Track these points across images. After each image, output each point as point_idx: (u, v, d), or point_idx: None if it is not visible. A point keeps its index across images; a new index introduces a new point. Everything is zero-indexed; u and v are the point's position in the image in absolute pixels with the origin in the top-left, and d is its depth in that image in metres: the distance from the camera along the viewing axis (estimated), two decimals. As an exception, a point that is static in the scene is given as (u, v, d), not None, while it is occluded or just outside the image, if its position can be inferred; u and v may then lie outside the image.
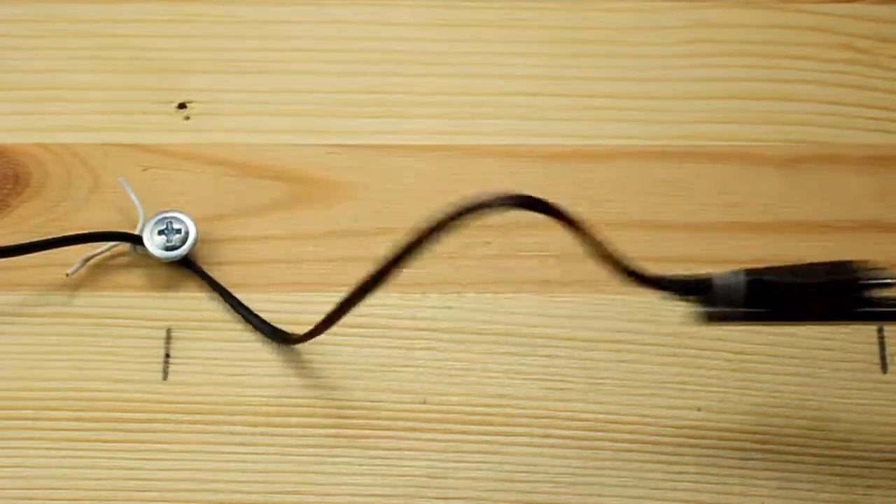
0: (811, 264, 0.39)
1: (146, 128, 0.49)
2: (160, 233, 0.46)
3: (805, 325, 0.44)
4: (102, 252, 0.47)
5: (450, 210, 0.36)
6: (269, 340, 0.45)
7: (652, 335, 0.46)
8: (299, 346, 0.45)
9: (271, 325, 0.45)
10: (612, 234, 0.47)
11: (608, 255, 0.38)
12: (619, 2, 0.52)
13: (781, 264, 0.39)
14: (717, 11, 0.52)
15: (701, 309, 0.38)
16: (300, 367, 0.45)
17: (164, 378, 0.45)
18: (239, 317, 0.46)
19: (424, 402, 0.45)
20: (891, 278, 0.37)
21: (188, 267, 0.46)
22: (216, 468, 0.44)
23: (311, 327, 0.43)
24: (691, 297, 0.38)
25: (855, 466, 0.44)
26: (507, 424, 0.44)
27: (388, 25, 0.52)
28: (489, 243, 0.47)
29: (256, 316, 0.45)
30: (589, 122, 0.50)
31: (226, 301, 0.46)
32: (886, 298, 0.38)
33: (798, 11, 0.52)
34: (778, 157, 0.49)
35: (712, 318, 0.38)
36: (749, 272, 0.38)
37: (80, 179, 0.48)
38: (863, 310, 0.38)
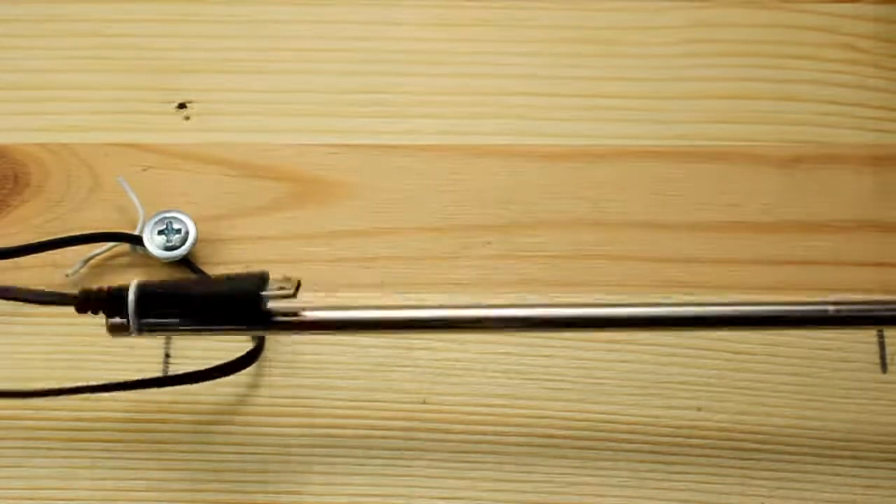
0: (223, 276, 0.41)
1: (146, 128, 0.49)
2: (160, 233, 0.46)
3: (219, 333, 0.43)
4: (102, 252, 0.47)
5: None
6: (273, 337, 0.45)
7: (652, 335, 0.46)
8: (300, 346, 0.45)
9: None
10: (612, 234, 0.48)
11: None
12: (619, 2, 0.52)
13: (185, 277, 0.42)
14: (717, 11, 0.52)
15: (112, 321, 0.39)
16: (300, 367, 0.45)
17: (164, 378, 0.45)
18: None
19: (424, 402, 0.45)
20: (286, 289, 0.38)
21: (188, 267, 0.46)
22: (216, 468, 0.44)
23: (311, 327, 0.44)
24: (103, 311, 0.39)
25: (855, 466, 0.44)
26: (507, 424, 0.44)
27: (388, 25, 0.52)
28: (489, 243, 0.47)
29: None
30: (589, 122, 0.50)
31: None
32: (300, 308, 0.39)
33: (798, 11, 0.52)
34: (778, 157, 0.49)
35: (122, 330, 0.39)
36: (143, 284, 0.39)
37: (80, 179, 0.48)
38: (275, 319, 0.39)
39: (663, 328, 0.43)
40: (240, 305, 0.39)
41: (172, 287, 0.40)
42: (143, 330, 0.39)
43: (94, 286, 0.39)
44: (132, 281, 0.39)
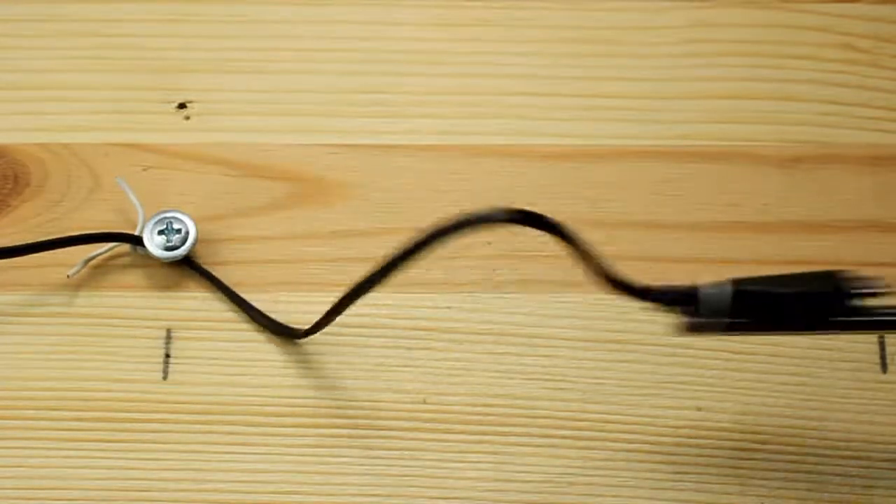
0: (796, 274, 0.38)
1: (146, 128, 0.49)
2: (160, 233, 0.46)
3: (787, 334, 0.44)
4: (103, 252, 0.47)
5: (452, 220, 0.36)
6: (274, 337, 0.45)
7: (652, 335, 0.46)
8: (299, 346, 0.45)
9: (276, 321, 0.45)
10: (612, 234, 0.48)
11: (598, 265, 0.38)
12: (619, 2, 0.52)
13: (766, 274, 0.38)
14: (717, 11, 0.52)
15: (685, 319, 0.38)
16: (300, 366, 0.45)
17: (164, 378, 0.45)
18: (240, 316, 0.46)
19: (424, 402, 0.45)
20: (875, 287, 0.37)
21: (188, 267, 0.46)
22: (216, 468, 0.44)
23: (311, 326, 0.43)
24: (677, 308, 0.38)
25: (855, 466, 0.44)
26: (507, 424, 0.44)
27: (388, 25, 0.52)
28: (489, 243, 0.47)
29: (260, 312, 0.45)
30: (589, 122, 0.50)
31: (229, 299, 0.46)
32: (872, 308, 0.37)
33: (798, 11, 0.52)
34: (778, 157, 0.49)
35: (696, 329, 0.38)
36: (735, 282, 0.37)
37: (80, 179, 0.48)
38: (847, 319, 0.37)
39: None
40: (825, 305, 0.37)
41: (755, 286, 0.38)
42: (721, 329, 0.38)
43: (663, 283, 0.38)
44: (722, 281, 0.37)
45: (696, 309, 0.37)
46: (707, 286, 0.37)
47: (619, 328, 0.46)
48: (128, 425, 0.44)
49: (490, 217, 0.37)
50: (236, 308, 0.46)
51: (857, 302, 0.37)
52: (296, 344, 0.45)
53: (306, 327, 0.43)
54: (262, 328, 0.46)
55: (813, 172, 0.49)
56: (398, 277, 0.47)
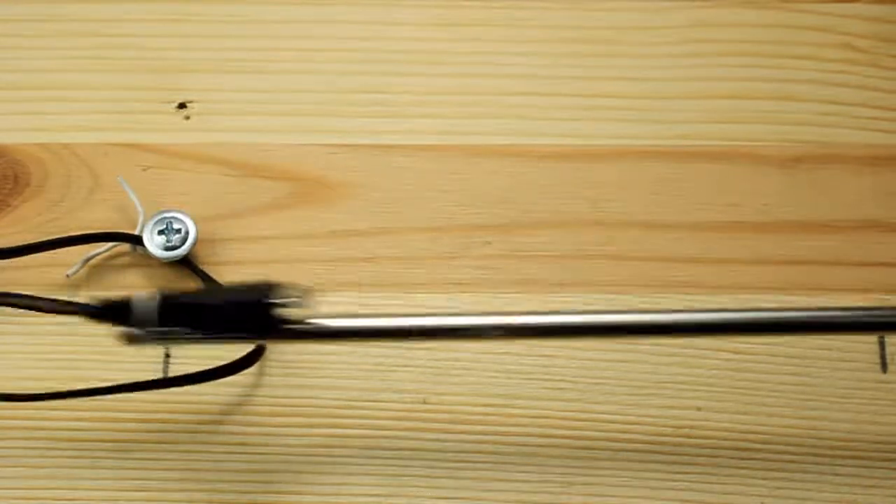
0: (232, 286, 0.41)
1: (146, 128, 0.49)
2: (160, 233, 0.46)
3: (232, 342, 0.43)
4: (102, 252, 0.47)
5: None
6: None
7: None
8: (299, 347, 0.45)
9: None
10: (612, 234, 0.48)
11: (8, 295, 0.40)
12: (619, 2, 0.52)
13: (210, 286, 0.41)
14: (717, 11, 0.52)
15: (122, 330, 0.39)
16: (300, 367, 0.45)
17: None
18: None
19: (424, 402, 0.45)
20: (296, 298, 0.38)
21: (188, 266, 0.46)
22: (216, 468, 0.44)
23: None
24: (111, 320, 0.39)
25: (855, 466, 0.44)
26: (507, 424, 0.44)
27: (388, 25, 0.52)
28: (489, 243, 0.47)
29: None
30: (589, 122, 0.50)
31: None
32: (296, 318, 0.39)
33: (798, 11, 0.52)
34: (778, 157, 0.49)
35: (132, 339, 0.39)
36: (165, 294, 0.38)
37: (80, 179, 0.48)
38: (284, 327, 0.39)
39: (655, 336, 0.43)
40: (249, 315, 0.39)
41: (182, 297, 0.39)
42: (152, 339, 0.39)
43: (95, 290, 0.40)
44: (139, 292, 0.39)
45: (129, 320, 0.38)
46: (139, 297, 0.38)
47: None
48: (128, 425, 0.44)
49: None
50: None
51: (280, 312, 0.38)
52: (299, 345, 0.45)
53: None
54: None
55: (813, 172, 0.49)
56: (398, 277, 0.47)
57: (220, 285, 0.44)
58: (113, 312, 0.39)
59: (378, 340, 0.44)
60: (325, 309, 0.39)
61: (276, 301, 0.38)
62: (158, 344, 0.39)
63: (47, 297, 0.41)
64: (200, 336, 0.39)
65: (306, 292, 0.38)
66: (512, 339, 0.43)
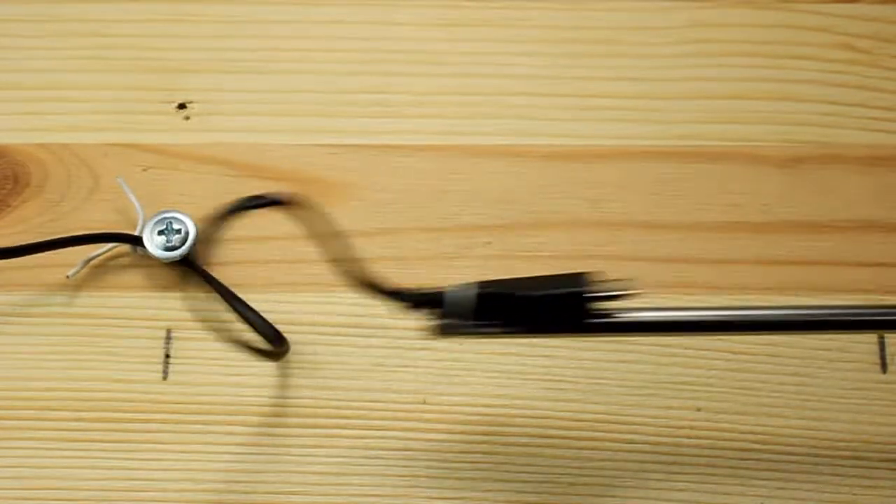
0: (544, 277, 0.39)
1: (146, 128, 0.49)
2: (160, 233, 0.46)
3: (543, 336, 0.43)
4: (103, 252, 0.47)
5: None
6: (268, 343, 0.45)
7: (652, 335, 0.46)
8: (299, 347, 0.45)
9: (271, 325, 0.45)
10: (612, 234, 0.48)
11: (348, 263, 0.39)
12: (619, 2, 0.52)
13: (520, 276, 0.39)
14: (717, 11, 0.52)
15: (435, 321, 0.38)
16: (300, 367, 0.45)
17: (164, 378, 0.45)
18: (239, 317, 0.46)
19: (424, 402, 0.45)
20: (619, 291, 0.38)
21: (188, 267, 0.46)
22: (216, 468, 0.44)
23: (310, 327, 0.44)
24: (425, 310, 0.38)
25: (855, 466, 0.44)
26: (507, 424, 0.44)
27: (388, 25, 0.52)
28: (489, 243, 0.47)
29: (257, 314, 0.45)
30: (589, 122, 0.50)
31: (226, 301, 0.46)
32: (616, 310, 0.38)
33: (798, 11, 0.52)
34: (778, 157, 0.49)
35: (445, 331, 0.38)
36: (481, 284, 0.38)
37: (80, 179, 0.48)
38: (596, 321, 0.38)
39: (658, 333, 0.43)
40: (567, 308, 0.38)
41: (499, 289, 0.38)
42: (467, 331, 0.38)
43: (415, 287, 0.39)
44: (468, 283, 0.38)
45: (444, 311, 0.38)
46: (453, 289, 0.38)
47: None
48: (128, 425, 0.44)
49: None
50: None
51: (599, 304, 0.38)
52: (299, 345, 0.45)
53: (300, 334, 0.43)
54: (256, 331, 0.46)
55: (813, 172, 0.49)
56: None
57: (533, 277, 0.41)
58: (428, 303, 0.38)
59: (690, 333, 0.42)
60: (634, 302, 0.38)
61: (594, 293, 0.38)
62: (470, 336, 0.39)
63: (380, 282, 0.39)
64: (515, 329, 0.38)
65: (627, 286, 0.38)
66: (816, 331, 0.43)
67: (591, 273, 0.38)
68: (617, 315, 0.38)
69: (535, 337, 0.41)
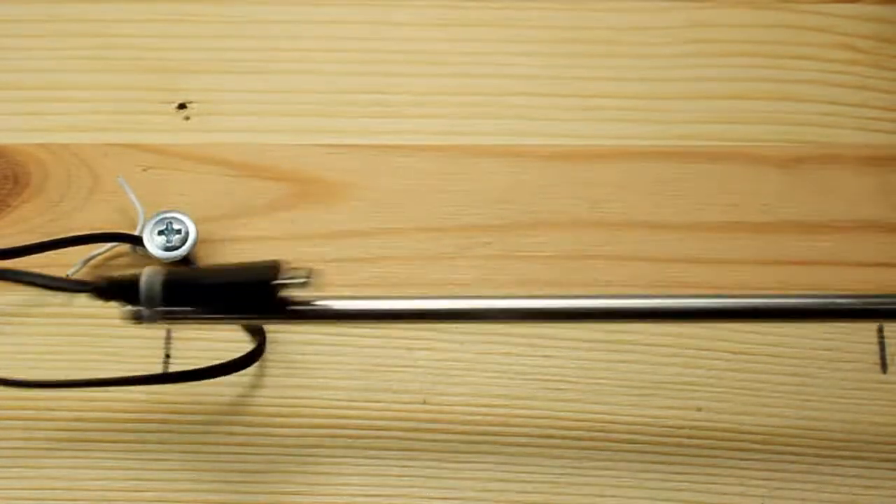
0: (235, 265, 0.41)
1: (146, 128, 0.49)
2: (160, 233, 0.46)
3: (233, 322, 0.43)
4: (102, 252, 0.47)
5: None
6: (273, 336, 0.45)
7: (651, 335, 0.46)
8: (299, 346, 0.45)
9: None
10: (612, 234, 0.48)
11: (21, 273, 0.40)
12: (619, 2, 0.52)
13: (215, 265, 0.41)
14: (717, 11, 0.52)
15: (128, 308, 0.39)
16: (300, 367, 0.45)
17: (164, 378, 0.45)
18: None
19: (424, 403, 0.45)
20: (300, 278, 0.38)
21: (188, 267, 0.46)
22: (216, 468, 0.44)
23: (310, 327, 0.43)
24: (118, 298, 0.39)
25: (855, 466, 0.44)
26: (507, 424, 0.44)
27: (388, 25, 0.52)
28: (489, 243, 0.47)
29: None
30: (589, 122, 0.50)
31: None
32: (298, 298, 0.39)
33: (798, 11, 0.52)
34: (778, 157, 0.49)
35: (137, 318, 0.39)
36: (167, 272, 0.38)
37: (80, 179, 0.48)
38: (292, 308, 0.39)
39: (661, 320, 0.43)
40: (253, 294, 0.39)
41: (187, 275, 0.39)
42: (158, 318, 0.39)
43: (113, 274, 0.39)
44: (145, 268, 0.39)
45: (137, 299, 0.38)
46: (144, 276, 0.38)
47: (619, 328, 0.46)
48: (128, 425, 0.44)
49: None
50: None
51: (283, 292, 0.38)
52: (299, 345, 0.45)
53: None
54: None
55: (813, 172, 0.49)
56: (398, 277, 0.47)
57: (225, 265, 0.43)
58: (120, 290, 0.39)
59: (382, 322, 0.43)
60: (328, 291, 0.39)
61: (282, 281, 0.38)
62: (163, 323, 0.39)
63: (57, 275, 0.41)
64: (205, 315, 0.39)
65: (311, 273, 0.38)
66: (511, 321, 0.43)
67: (280, 261, 0.39)
68: (312, 303, 0.39)
69: (226, 322, 0.41)
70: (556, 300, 0.40)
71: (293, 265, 0.39)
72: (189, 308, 0.39)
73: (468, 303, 0.40)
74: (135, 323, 0.39)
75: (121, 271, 0.47)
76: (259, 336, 0.44)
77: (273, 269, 0.38)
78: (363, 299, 0.40)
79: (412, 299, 0.41)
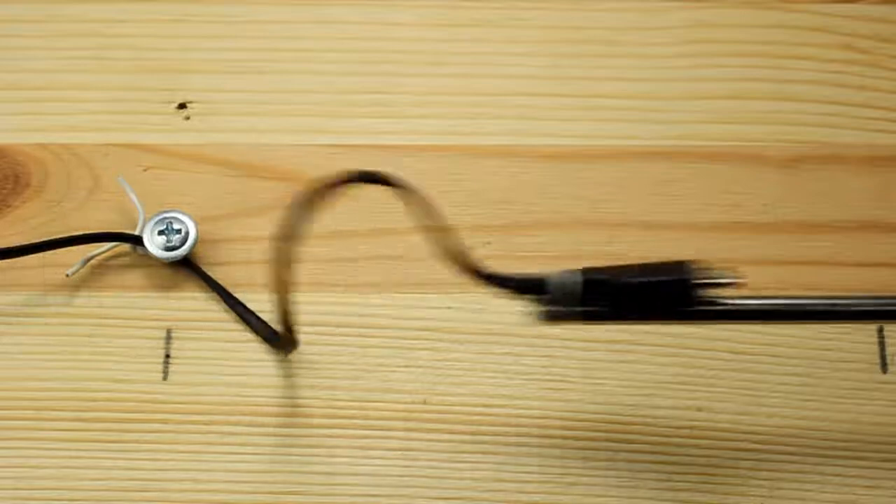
0: (649, 264, 0.39)
1: (146, 128, 0.49)
2: (160, 233, 0.46)
3: (648, 323, 0.43)
4: (102, 252, 0.47)
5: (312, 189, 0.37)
6: (266, 343, 0.45)
7: (652, 335, 0.46)
8: (299, 346, 0.45)
9: (270, 327, 0.45)
10: (612, 234, 0.48)
11: (450, 248, 0.39)
12: (619, 2, 0.52)
13: (620, 263, 0.39)
14: (717, 11, 0.52)
15: (540, 308, 0.38)
16: (300, 367, 0.45)
17: (164, 378, 0.45)
18: (238, 317, 0.46)
19: (424, 402, 0.45)
20: (725, 278, 0.38)
21: (188, 267, 0.46)
22: (216, 468, 0.44)
23: (310, 327, 0.43)
24: (529, 296, 0.39)
25: (855, 466, 0.44)
26: (507, 424, 0.44)
27: (388, 25, 0.52)
28: (489, 243, 0.47)
29: (256, 316, 0.45)
30: (589, 122, 0.50)
31: (225, 301, 0.46)
32: (722, 298, 0.38)
33: (798, 11, 0.52)
34: (778, 157, 0.49)
35: (550, 317, 0.38)
36: (585, 271, 0.38)
37: (80, 179, 0.48)
38: (701, 308, 0.38)
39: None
40: (673, 293, 0.38)
41: (604, 274, 0.38)
42: (573, 317, 0.38)
43: (516, 273, 0.39)
44: (573, 269, 0.38)
45: (549, 298, 0.38)
46: (557, 274, 0.38)
47: (619, 328, 0.46)
48: (128, 425, 0.44)
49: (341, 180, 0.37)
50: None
51: (703, 292, 0.38)
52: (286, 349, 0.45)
53: (300, 334, 0.43)
54: (255, 332, 0.45)
55: (813, 172, 0.49)
56: (398, 277, 0.47)
57: (639, 264, 0.41)
58: (532, 289, 0.38)
59: (790, 321, 0.43)
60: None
61: (702, 280, 0.38)
62: (575, 322, 0.39)
63: (483, 267, 0.39)
64: (621, 315, 0.38)
65: (727, 272, 0.38)
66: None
67: (695, 261, 0.38)
68: (722, 302, 0.38)
69: (640, 324, 0.41)
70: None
71: (707, 264, 0.38)
72: (605, 308, 0.38)
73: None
74: (547, 322, 0.38)
75: (108, 278, 0.47)
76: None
77: (691, 268, 0.38)
78: (773, 298, 0.40)
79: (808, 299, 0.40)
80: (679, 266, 0.38)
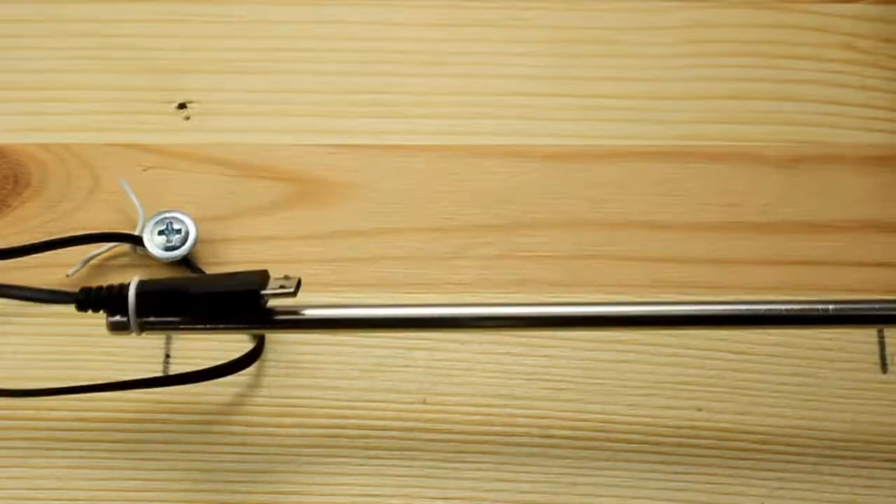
0: (219, 275, 0.41)
1: (146, 128, 0.49)
2: (160, 233, 0.46)
3: (221, 332, 0.42)
4: (102, 252, 0.47)
5: None
6: (272, 337, 0.45)
7: (652, 335, 0.46)
8: (299, 346, 0.45)
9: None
10: (612, 234, 0.48)
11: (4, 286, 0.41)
12: (619, 2, 0.52)
13: (196, 275, 0.41)
14: (717, 11, 0.52)
15: (112, 319, 0.39)
16: (300, 367, 0.45)
17: (164, 378, 0.45)
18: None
19: (424, 403, 0.45)
20: (286, 288, 0.38)
21: (188, 267, 0.46)
22: (216, 468, 0.44)
23: (310, 327, 0.43)
24: (103, 309, 0.39)
25: (855, 466, 0.44)
26: (507, 424, 0.44)
27: (388, 25, 0.52)
28: (489, 243, 0.47)
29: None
30: (589, 122, 0.50)
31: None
32: (301, 307, 0.39)
33: (798, 11, 0.52)
34: (778, 157, 0.49)
35: (116, 328, 0.39)
36: (143, 282, 0.39)
37: (80, 179, 0.48)
38: (278, 318, 0.39)
39: (661, 327, 0.43)
40: (239, 303, 0.39)
41: (172, 285, 0.40)
42: (142, 328, 0.39)
43: (95, 285, 0.40)
44: (132, 279, 0.39)
45: (117, 309, 0.39)
46: (117, 287, 0.39)
47: (619, 328, 0.46)
48: (129, 425, 0.44)
49: None
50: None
51: (269, 301, 0.39)
52: (299, 345, 0.45)
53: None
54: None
55: (813, 172, 0.49)
56: (398, 277, 0.47)
57: (212, 274, 0.44)
58: (104, 301, 0.39)
59: (368, 331, 0.44)
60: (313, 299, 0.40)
61: (269, 291, 0.39)
62: (148, 333, 0.39)
63: (41, 287, 0.42)
64: (190, 325, 0.39)
65: (299, 283, 0.39)
66: (499, 330, 0.44)
67: (263, 271, 0.39)
68: (297, 312, 0.39)
69: (212, 332, 0.42)
70: (550, 308, 0.41)
71: (281, 275, 0.39)
72: (174, 318, 0.39)
73: (453, 311, 0.40)
74: (119, 333, 0.39)
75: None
76: (258, 337, 0.44)
77: (259, 278, 0.39)
78: (349, 308, 0.41)
79: (400, 307, 0.41)
80: (249, 276, 0.39)
